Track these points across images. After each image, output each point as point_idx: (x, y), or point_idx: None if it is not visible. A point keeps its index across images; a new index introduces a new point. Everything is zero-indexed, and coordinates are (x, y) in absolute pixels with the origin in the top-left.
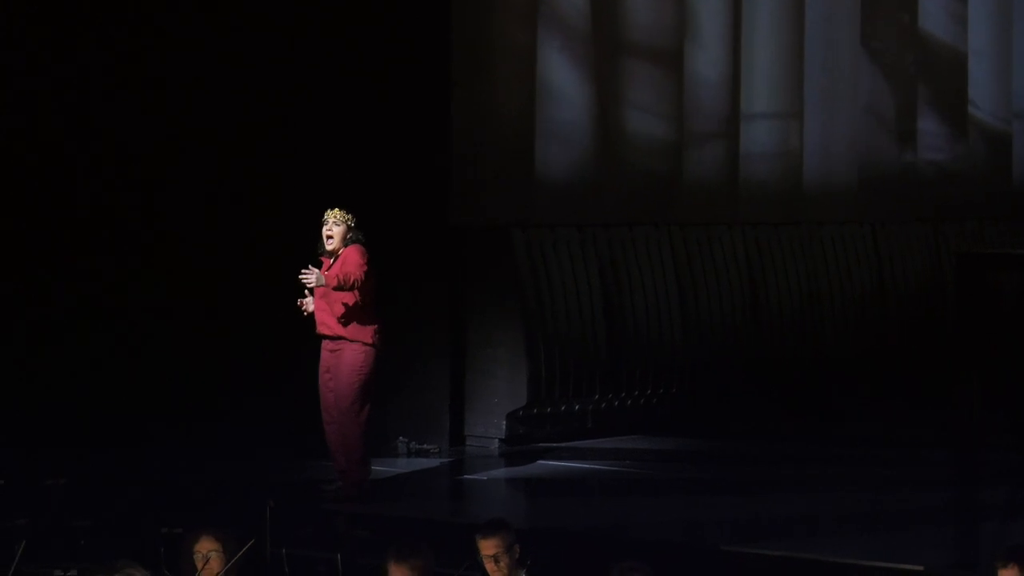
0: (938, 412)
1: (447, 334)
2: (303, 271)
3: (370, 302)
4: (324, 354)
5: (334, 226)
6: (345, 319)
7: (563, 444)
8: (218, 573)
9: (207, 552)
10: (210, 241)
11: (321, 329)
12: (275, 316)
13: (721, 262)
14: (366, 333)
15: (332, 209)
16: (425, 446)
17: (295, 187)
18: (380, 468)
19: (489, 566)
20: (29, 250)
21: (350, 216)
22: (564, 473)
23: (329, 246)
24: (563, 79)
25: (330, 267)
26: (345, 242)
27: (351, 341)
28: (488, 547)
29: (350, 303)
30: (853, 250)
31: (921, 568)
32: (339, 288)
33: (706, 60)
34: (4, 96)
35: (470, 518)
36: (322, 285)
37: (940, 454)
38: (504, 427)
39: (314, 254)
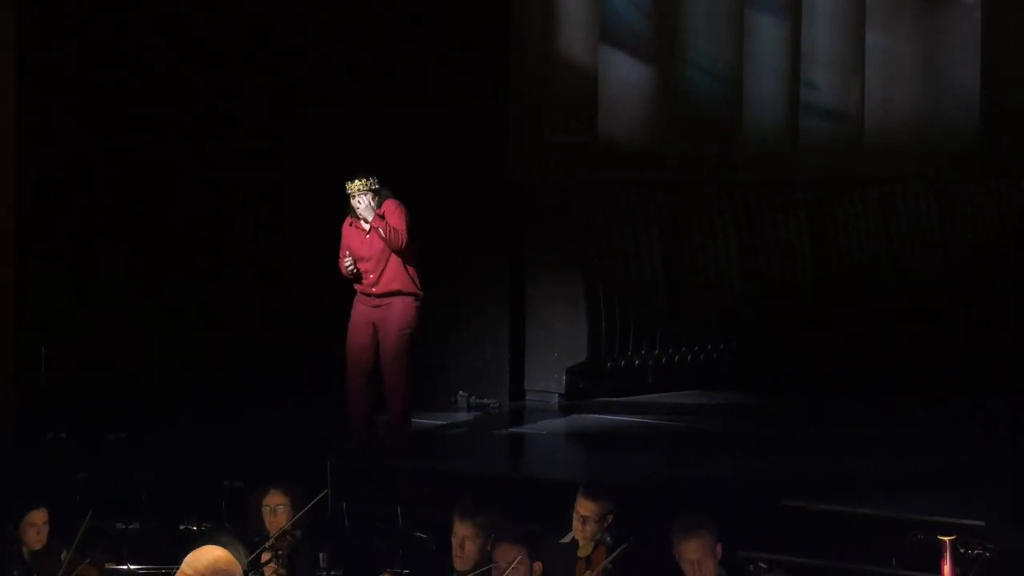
0: (1000, 369)
1: (507, 289)
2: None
3: (412, 255)
4: (364, 309)
5: (361, 197)
6: (394, 276)
7: (623, 399)
8: (284, 527)
9: (275, 505)
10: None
11: (367, 288)
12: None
13: (782, 218)
14: (413, 285)
15: (351, 181)
16: (485, 401)
17: (355, 147)
18: (440, 422)
19: (576, 523)
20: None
21: (370, 180)
22: (623, 428)
23: (363, 214)
24: (625, 37)
25: (368, 230)
26: (378, 201)
27: (403, 295)
28: (583, 507)
29: (397, 260)
30: (915, 208)
31: (982, 523)
32: (386, 240)
33: (767, 17)
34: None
35: (529, 473)
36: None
37: (1003, 411)
38: (564, 382)
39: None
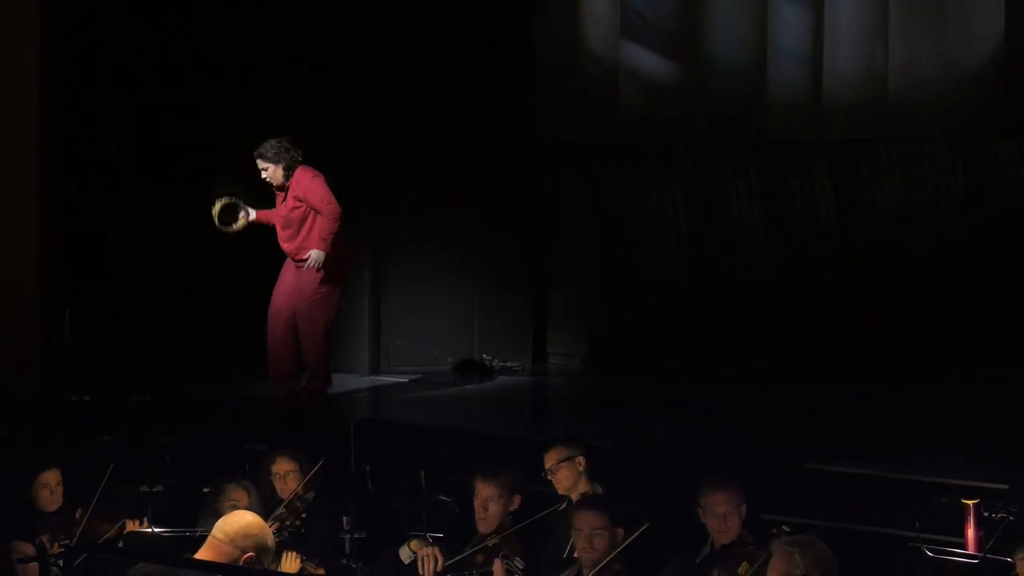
0: None
1: (531, 253)
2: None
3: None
4: (289, 268)
5: (271, 166)
6: (309, 243)
7: (646, 363)
8: (295, 489)
9: (284, 473)
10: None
11: (290, 254)
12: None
13: (807, 181)
14: (325, 246)
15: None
16: (508, 364)
17: (382, 116)
18: (463, 385)
19: (550, 479)
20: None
21: (279, 145)
22: (645, 392)
23: (275, 182)
24: (648, 11)
25: (284, 199)
26: (287, 173)
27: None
28: (546, 461)
29: (309, 227)
30: (941, 166)
31: (1006, 487)
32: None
33: None
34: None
35: (551, 435)
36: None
37: None
38: (587, 346)
39: None
